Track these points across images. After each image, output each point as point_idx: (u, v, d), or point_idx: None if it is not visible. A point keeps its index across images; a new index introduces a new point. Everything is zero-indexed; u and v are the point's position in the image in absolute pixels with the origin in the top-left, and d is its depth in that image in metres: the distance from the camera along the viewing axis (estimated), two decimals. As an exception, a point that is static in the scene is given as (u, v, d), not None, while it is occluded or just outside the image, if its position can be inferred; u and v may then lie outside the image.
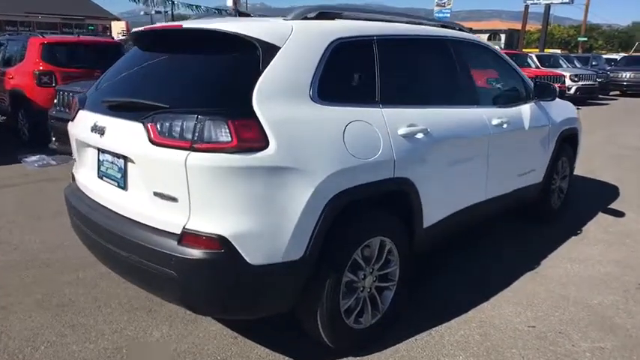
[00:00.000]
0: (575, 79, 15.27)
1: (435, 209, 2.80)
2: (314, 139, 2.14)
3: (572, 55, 23.91)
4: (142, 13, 39.11)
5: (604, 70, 19.03)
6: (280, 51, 2.16)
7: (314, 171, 2.08)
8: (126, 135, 2.17)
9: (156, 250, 2.04)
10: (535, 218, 4.43)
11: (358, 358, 2.46)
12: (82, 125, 2.55)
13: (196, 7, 27.74)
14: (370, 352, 2.50)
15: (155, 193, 2.07)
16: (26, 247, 3.73)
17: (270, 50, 2.14)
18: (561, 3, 26.82)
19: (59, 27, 34.78)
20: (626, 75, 18.95)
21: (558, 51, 32.41)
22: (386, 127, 2.43)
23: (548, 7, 26.66)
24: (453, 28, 3.39)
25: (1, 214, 4.42)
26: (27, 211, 4.53)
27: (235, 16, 2.90)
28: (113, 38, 12.16)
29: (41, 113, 6.47)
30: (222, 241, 1.95)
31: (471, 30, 3.59)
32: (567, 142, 4.38)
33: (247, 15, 2.85)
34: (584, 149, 4.97)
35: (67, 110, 5.74)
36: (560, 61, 17.26)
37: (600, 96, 17.18)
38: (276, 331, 2.61)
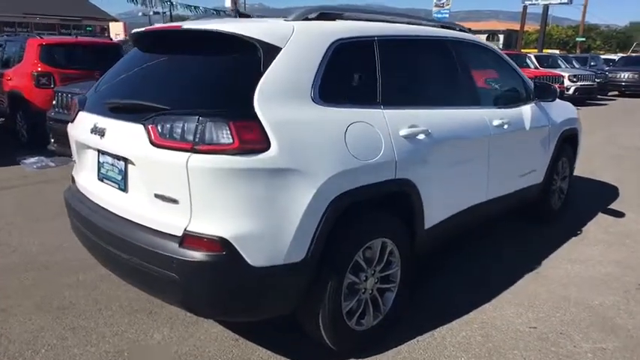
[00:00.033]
0: (574, 79, 15.29)
1: (436, 210, 2.79)
2: (315, 140, 2.13)
3: (571, 55, 23.94)
4: (140, 14, 39.08)
5: (602, 71, 19.07)
6: (281, 52, 2.15)
7: (316, 172, 2.07)
8: (126, 137, 2.16)
9: (157, 253, 2.03)
10: (535, 219, 4.43)
11: (360, 360, 2.46)
12: (81, 127, 2.54)
13: (195, 7, 27.72)
14: (372, 353, 2.49)
15: (156, 195, 2.06)
16: (25, 249, 3.72)
17: (271, 51, 2.13)
18: (559, 3, 26.88)
19: (57, 28, 34.73)
20: (625, 75, 18.97)
21: (557, 51, 32.43)
22: (387, 128, 2.42)
23: (546, 7, 26.73)
24: (454, 29, 3.39)
25: None
26: (26, 212, 4.52)
27: (235, 16, 2.89)
28: (111, 39, 12.12)
29: (40, 115, 6.44)
30: (223, 243, 1.94)
31: (469, 30, 3.59)
32: (567, 142, 4.39)
33: (247, 16, 2.85)
34: (583, 150, 4.97)
35: (66, 112, 5.73)
36: (559, 62, 17.27)
37: (599, 96, 17.20)
38: (278, 333, 2.60)
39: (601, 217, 4.69)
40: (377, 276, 2.52)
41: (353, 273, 2.36)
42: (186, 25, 2.38)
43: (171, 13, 34.87)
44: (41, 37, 7.53)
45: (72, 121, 2.71)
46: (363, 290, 2.46)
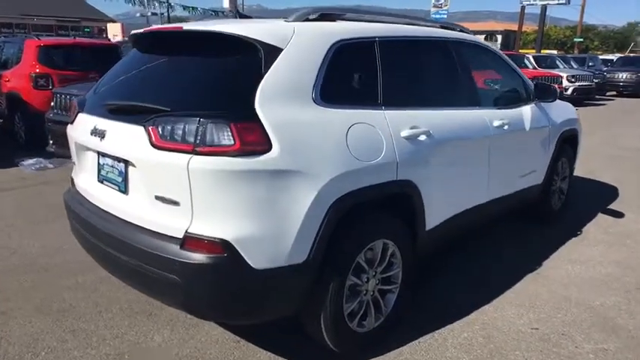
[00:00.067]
0: (573, 79, 15.32)
1: (437, 211, 2.79)
2: (317, 141, 2.12)
3: (569, 55, 23.98)
4: (137, 14, 39.09)
5: (600, 71, 19.11)
6: (282, 53, 2.14)
7: (317, 174, 2.07)
8: (127, 138, 2.15)
9: (158, 255, 2.02)
10: (535, 219, 4.43)
11: (362, 361, 2.45)
12: (81, 128, 2.53)
13: (193, 8, 27.68)
14: (374, 355, 2.48)
15: (157, 197, 2.05)
16: (25, 251, 3.70)
17: (272, 52, 2.12)
18: (557, 4, 26.96)
19: (55, 29, 34.64)
20: (623, 75, 19.04)
21: (554, 52, 32.50)
22: (388, 130, 2.42)
23: (544, 7, 26.80)
24: (454, 29, 3.39)
25: (-2, 218, 4.39)
26: (25, 214, 4.50)
27: (235, 17, 2.88)
28: (110, 40, 12.10)
29: (38, 116, 6.43)
30: (225, 245, 1.93)
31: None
32: (567, 142, 4.39)
33: (248, 17, 2.84)
34: (582, 150, 4.97)
35: (65, 113, 5.72)
36: (557, 62, 17.30)
37: (597, 96, 17.24)
38: (280, 334, 2.59)
39: (601, 218, 4.70)
40: (378, 277, 2.51)
41: (355, 274, 2.36)
42: (187, 26, 2.37)
43: (168, 14, 34.87)
44: (39, 38, 7.50)
45: (71, 123, 2.69)
46: (365, 292, 2.45)
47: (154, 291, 2.27)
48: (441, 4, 27.40)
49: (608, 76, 18.87)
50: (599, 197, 5.37)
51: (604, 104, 16.51)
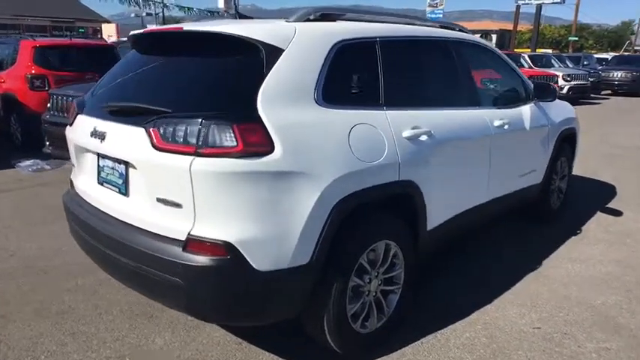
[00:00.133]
0: (568, 78, 15.37)
1: (438, 211, 2.79)
2: (319, 142, 2.11)
3: (564, 54, 24.07)
4: (132, 15, 38.88)
5: (595, 70, 19.18)
6: (284, 53, 2.13)
7: (320, 175, 2.06)
8: (127, 140, 2.14)
9: (159, 257, 2.00)
10: (535, 218, 4.43)
11: (365, 362, 2.44)
12: (80, 130, 2.51)
13: (188, 8, 27.59)
14: (377, 356, 2.48)
15: (158, 199, 2.03)
16: (23, 253, 3.67)
17: (273, 52, 2.11)
18: (552, 3, 27.01)
19: (49, 30, 34.45)
20: (618, 74, 19.11)
21: (549, 51, 32.62)
22: (390, 130, 2.41)
23: (539, 7, 26.85)
24: (453, 29, 3.38)
25: (-4, 221, 4.36)
26: (23, 216, 4.47)
27: (235, 17, 2.87)
28: (106, 41, 12.05)
29: (34, 117, 6.38)
30: (228, 248, 1.92)
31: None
32: (566, 142, 4.40)
33: (248, 17, 2.83)
34: (579, 149, 4.98)
35: (61, 114, 5.69)
36: (553, 61, 17.36)
37: (592, 95, 17.30)
38: (282, 336, 2.58)
39: (600, 217, 4.71)
40: (380, 278, 2.50)
41: (357, 275, 2.35)
42: (188, 26, 2.36)
43: (163, 14, 34.75)
44: (35, 39, 7.45)
45: (70, 125, 2.67)
46: (367, 293, 2.44)
47: (155, 293, 2.25)
48: (437, 3, 27.42)
49: (603, 74, 18.94)
50: (597, 196, 5.38)
51: (599, 103, 16.57)
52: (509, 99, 3.69)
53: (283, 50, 2.14)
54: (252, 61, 2.10)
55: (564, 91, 14.89)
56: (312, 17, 2.41)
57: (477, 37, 3.65)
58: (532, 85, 3.85)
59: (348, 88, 2.38)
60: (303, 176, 2.01)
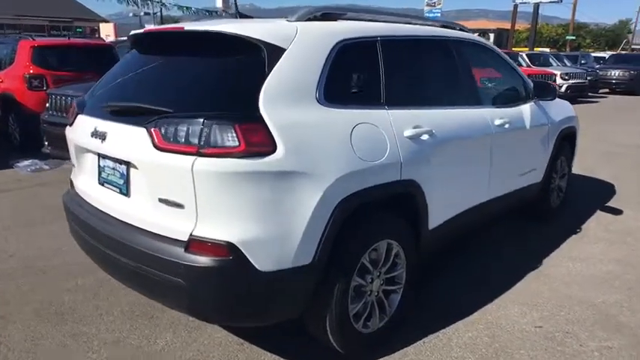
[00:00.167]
0: (566, 77, 15.40)
1: (440, 211, 2.78)
2: (321, 142, 2.10)
3: (562, 53, 24.10)
4: (130, 14, 38.85)
5: (593, 69, 19.22)
6: (286, 53, 2.12)
7: (322, 175, 2.05)
8: (128, 140, 2.13)
9: (161, 258, 2.00)
10: (535, 217, 4.43)
11: (367, 362, 2.43)
12: (81, 130, 2.49)
13: (186, 8, 27.52)
14: (379, 356, 2.47)
15: (160, 200, 2.02)
16: (22, 254, 3.66)
17: (275, 52, 2.10)
18: (550, 2, 27.06)
19: (47, 29, 34.33)
20: (615, 73, 19.16)
21: (547, 50, 32.66)
22: (392, 129, 2.40)
23: (537, 6, 26.89)
24: (454, 28, 3.38)
25: (-6, 221, 4.34)
26: (22, 217, 4.45)
27: (236, 17, 2.86)
28: (104, 40, 12.01)
29: (33, 117, 6.36)
30: (230, 248, 1.91)
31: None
32: (566, 140, 4.40)
33: (248, 16, 2.82)
34: (578, 147, 4.98)
35: (60, 114, 5.67)
36: (551, 60, 17.39)
37: (590, 94, 17.34)
38: (283, 336, 2.57)
39: (600, 215, 4.71)
40: (382, 278, 2.50)
41: (359, 275, 2.34)
42: (189, 26, 2.35)
43: (161, 13, 34.71)
44: (33, 39, 7.42)
45: (70, 125, 2.66)
46: (369, 292, 2.44)
47: (156, 294, 2.24)
48: (434, 2, 27.43)
49: (600, 73, 18.98)
50: (597, 195, 5.39)
51: (597, 102, 16.59)
52: (510, 98, 3.69)
53: (285, 50, 2.13)
54: (254, 61, 2.09)
55: (562, 89, 14.91)
56: (313, 17, 2.40)
57: (477, 36, 3.64)
58: (532, 84, 3.85)
59: (350, 87, 2.37)
60: (306, 176, 2.00)
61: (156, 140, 1.98)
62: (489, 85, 3.93)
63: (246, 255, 1.92)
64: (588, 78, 16.64)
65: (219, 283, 1.95)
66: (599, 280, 3.38)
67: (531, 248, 3.90)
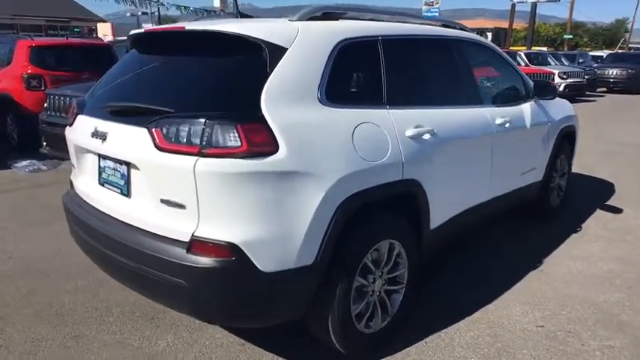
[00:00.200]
0: (564, 76, 15.41)
1: (441, 210, 2.78)
2: (323, 142, 2.09)
3: (560, 52, 24.13)
4: (128, 14, 38.75)
5: (591, 67, 19.24)
6: (287, 52, 2.11)
7: (324, 175, 2.04)
8: (129, 141, 2.11)
9: (163, 259, 1.98)
10: (535, 216, 4.43)
11: (369, 363, 2.43)
12: (81, 131, 2.48)
13: (185, 7, 27.45)
14: (381, 356, 2.47)
15: (161, 200, 2.01)
16: (21, 255, 3.64)
17: (277, 52, 2.09)
18: (547, 1, 27.09)
19: (44, 29, 34.25)
20: (613, 72, 19.18)
21: (545, 49, 32.68)
22: (394, 129, 2.40)
23: (534, 5, 26.91)
24: (454, 27, 3.37)
25: (-7, 222, 4.32)
26: (20, 217, 4.43)
27: (236, 17, 2.85)
28: (102, 40, 11.98)
29: (31, 117, 6.34)
30: (232, 249, 1.90)
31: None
32: (566, 139, 4.40)
33: (249, 16, 2.80)
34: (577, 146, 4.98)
35: (59, 114, 5.65)
36: (549, 59, 17.41)
37: (587, 93, 17.36)
38: (285, 337, 2.56)
39: (600, 214, 4.71)
40: (384, 278, 2.49)
41: (361, 275, 2.34)
42: (190, 25, 2.33)
43: (159, 13, 34.64)
44: (31, 39, 7.39)
45: (70, 125, 2.64)
46: (371, 292, 2.43)
47: (158, 295, 2.23)
48: (432, 2, 27.39)
49: (598, 72, 18.99)
50: (596, 193, 5.39)
51: (595, 100, 16.62)
52: (510, 97, 3.68)
53: (286, 49, 2.12)
54: (256, 61, 2.08)
55: (560, 88, 14.90)
56: (314, 16, 2.39)
57: (477, 36, 3.64)
58: (532, 83, 3.85)
59: (351, 87, 2.36)
60: (308, 176, 1.99)
61: (157, 140, 1.96)
62: (490, 84, 3.92)
63: (249, 256, 1.91)
64: (586, 77, 16.66)
65: (222, 284, 1.94)
66: (600, 278, 3.38)
67: (532, 247, 3.89)
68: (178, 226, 1.97)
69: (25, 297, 3.04)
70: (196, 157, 1.87)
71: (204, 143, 1.87)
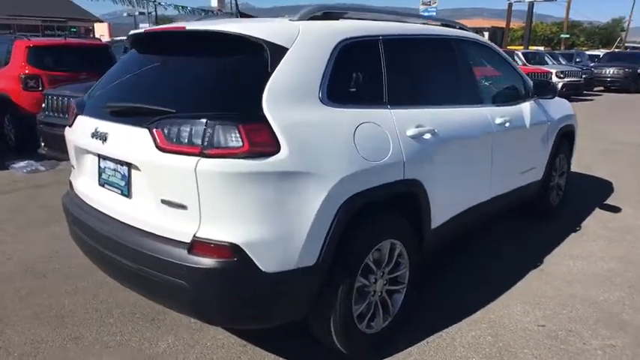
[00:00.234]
0: (562, 75, 15.44)
1: (442, 210, 2.77)
2: (325, 142, 2.09)
3: (557, 51, 24.18)
4: (125, 14, 38.64)
5: (588, 67, 19.28)
6: (289, 52, 2.10)
7: (326, 175, 2.03)
8: (130, 141, 2.10)
9: (164, 260, 1.97)
10: (534, 215, 4.43)
11: (372, 363, 2.42)
12: (81, 131, 2.46)
13: (182, 7, 27.38)
14: (383, 356, 2.46)
15: (163, 201, 2.00)
16: (20, 256, 3.62)
17: (278, 52, 2.08)
18: (544, 0, 27.14)
19: (41, 29, 34.14)
20: (610, 71, 19.24)
21: (541, 48, 32.74)
22: (395, 129, 2.39)
23: (531, 4, 26.97)
24: (454, 27, 3.37)
25: (-9, 223, 4.29)
26: (19, 218, 4.41)
27: (237, 16, 2.84)
28: (101, 40, 11.95)
29: (28, 118, 6.32)
30: (234, 249, 1.89)
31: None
32: (565, 139, 4.40)
33: (249, 16, 2.79)
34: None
35: (57, 115, 5.63)
36: (546, 58, 17.44)
37: (585, 92, 17.39)
38: (287, 338, 2.55)
39: (599, 213, 4.72)
40: (386, 278, 2.49)
41: (363, 276, 2.33)
42: (190, 25, 2.32)
43: (156, 13, 34.56)
44: (29, 39, 7.37)
45: (70, 126, 2.63)
46: (373, 293, 2.43)
47: (159, 296, 2.22)
48: (430, 1, 27.43)
49: (595, 71, 19.03)
50: (595, 192, 5.40)
51: (592, 99, 16.66)
52: (510, 96, 3.68)
53: (288, 49, 2.11)
54: (257, 61, 2.07)
55: (558, 87, 14.93)
56: (314, 16, 2.38)
57: (477, 35, 3.64)
58: (532, 83, 3.85)
59: (353, 86, 2.36)
60: (310, 176, 1.98)
61: (158, 141, 1.95)
62: (490, 83, 3.93)
63: (251, 256, 1.90)
64: (583, 76, 16.70)
65: (224, 285, 1.93)
66: (601, 277, 3.38)
67: (532, 247, 3.90)
68: (180, 227, 1.96)
69: (25, 298, 3.03)
70: (198, 158, 1.86)
71: (205, 143, 1.86)
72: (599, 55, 24.02)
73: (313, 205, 1.99)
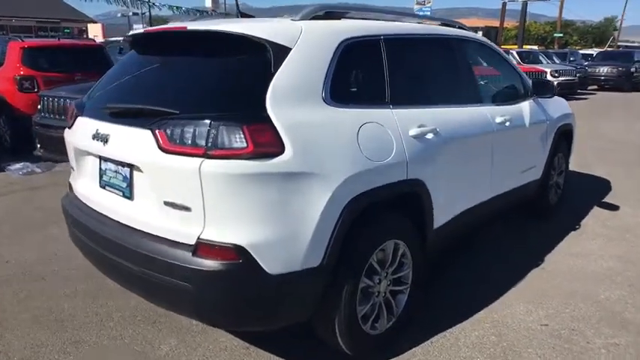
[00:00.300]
0: (556, 74, 15.49)
1: (444, 209, 2.77)
2: (329, 142, 2.07)
3: (550, 50, 24.28)
4: (118, 15, 38.50)
5: (582, 66, 19.38)
6: (291, 52, 2.09)
7: (330, 175, 2.02)
8: (132, 142, 2.08)
9: (167, 262, 1.95)
10: (533, 214, 4.44)
11: (376, 364, 2.41)
12: (81, 133, 2.44)
13: (177, 8, 27.27)
14: (388, 357, 2.45)
15: (166, 203, 1.98)
16: (18, 259, 3.58)
17: (281, 52, 2.07)
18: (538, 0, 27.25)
19: (34, 30, 33.94)
20: (604, 70, 19.34)
21: (535, 47, 32.87)
22: (397, 128, 2.38)
23: (525, 4, 27.08)
24: (453, 26, 3.37)
25: (-12, 226, 4.25)
26: (16, 221, 4.37)
27: (237, 16, 2.82)
28: (95, 41, 11.89)
29: (23, 119, 6.27)
30: (239, 251, 1.87)
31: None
32: (563, 137, 4.42)
33: (250, 16, 2.78)
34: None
35: (52, 116, 5.59)
36: (540, 57, 17.50)
37: (579, 91, 17.46)
38: (291, 339, 2.53)
39: (597, 211, 4.73)
40: (390, 278, 2.48)
41: (367, 276, 2.32)
42: (192, 26, 2.30)
43: (150, 13, 34.42)
44: (23, 40, 7.31)
45: (69, 127, 2.60)
46: (377, 293, 2.42)
47: (162, 298, 2.20)
48: (424, 1, 27.46)
49: (589, 70, 19.13)
50: (593, 191, 5.41)
51: (586, 98, 16.73)
52: (509, 95, 3.68)
53: (290, 49, 2.10)
54: (260, 61, 2.06)
55: (553, 86, 14.99)
56: (316, 15, 2.37)
57: (477, 34, 3.64)
58: (530, 82, 3.85)
59: (355, 86, 2.35)
60: (314, 177, 1.97)
61: (161, 142, 1.93)
62: (489, 82, 3.93)
63: (256, 258, 1.88)
64: (577, 75, 16.77)
65: (229, 287, 1.91)
66: (601, 276, 3.39)
67: (531, 245, 3.90)
68: (183, 229, 1.94)
69: (23, 302, 2.99)
70: (202, 159, 1.84)
71: (209, 144, 1.84)
72: (593, 54, 24.15)
73: (318, 205, 1.98)
